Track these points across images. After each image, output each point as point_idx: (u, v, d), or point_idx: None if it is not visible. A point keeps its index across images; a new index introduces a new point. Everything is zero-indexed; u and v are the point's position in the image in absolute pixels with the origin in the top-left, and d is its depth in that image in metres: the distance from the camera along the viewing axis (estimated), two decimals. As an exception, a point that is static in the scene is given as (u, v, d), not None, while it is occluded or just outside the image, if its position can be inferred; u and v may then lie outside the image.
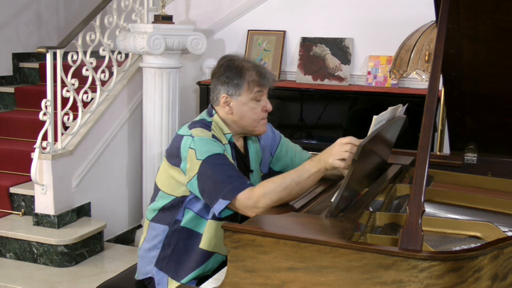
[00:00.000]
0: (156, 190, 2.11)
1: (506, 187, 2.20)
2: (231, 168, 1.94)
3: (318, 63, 4.19)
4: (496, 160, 2.36)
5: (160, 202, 2.09)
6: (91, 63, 3.98)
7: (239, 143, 2.19)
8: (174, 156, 2.01)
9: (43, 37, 5.33)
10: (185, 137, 1.99)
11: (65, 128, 3.90)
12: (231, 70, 2.08)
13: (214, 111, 2.13)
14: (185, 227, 2.05)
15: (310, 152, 2.40)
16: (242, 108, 2.08)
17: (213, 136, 2.01)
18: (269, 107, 2.12)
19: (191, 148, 1.96)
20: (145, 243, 2.14)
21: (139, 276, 2.17)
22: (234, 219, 2.02)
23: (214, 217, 2.01)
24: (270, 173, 2.32)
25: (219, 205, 1.88)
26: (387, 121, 1.93)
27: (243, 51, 4.41)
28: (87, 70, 3.98)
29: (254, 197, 1.85)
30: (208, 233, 2.04)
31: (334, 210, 1.65)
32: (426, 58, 2.95)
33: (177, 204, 2.05)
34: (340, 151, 1.78)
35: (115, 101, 4.21)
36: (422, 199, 1.45)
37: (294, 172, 1.88)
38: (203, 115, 2.15)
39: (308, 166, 1.85)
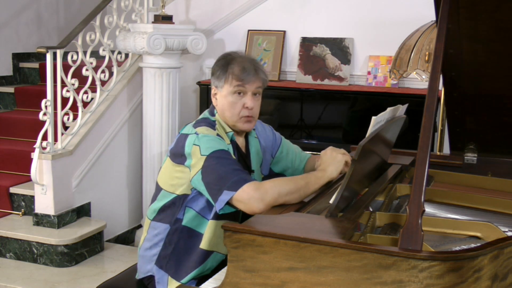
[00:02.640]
0: (158, 189, 2.11)
1: (506, 187, 2.20)
2: (235, 163, 1.94)
3: (318, 63, 4.18)
4: (496, 160, 2.36)
5: (162, 201, 2.09)
6: (91, 63, 3.98)
7: (241, 142, 2.19)
8: (179, 155, 2.01)
9: (43, 37, 5.33)
10: (190, 135, 2.00)
11: (65, 128, 3.90)
12: (220, 62, 2.12)
13: (215, 110, 2.14)
14: (186, 226, 2.05)
15: (310, 153, 2.41)
16: (223, 100, 2.10)
17: (217, 135, 2.02)
18: (249, 104, 2.08)
19: (195, 144, 1.96)
20: (146, 242, 2.13)
21: (139, 275, 2.17)
22: (235, 218, 2.02)
23: (215, 217, 2.01)
24: (270, 175, 2.32)
25: (224, 196, 1.86)
26: (386, 121, 1.93)
27: (243, 51, 4.41)
28: (87, 70, 3.98)
29: (263, 188, 1.83)
30: (208, 233, 2.03)
31: (334, 210, 1.65)
32: (426, 58, 2.95)
33: (177, 202, 2.04)
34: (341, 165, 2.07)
35: (115, 101, 4.21)
36: (422, 199, 1.45)
37: (304, 176, 2.01)
38: (206, 114, 2.16)
39: (320, 174, 2.02)
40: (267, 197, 1.82)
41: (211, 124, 2.06)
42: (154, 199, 2.14)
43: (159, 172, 2.14)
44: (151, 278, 2.12)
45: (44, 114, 3.67)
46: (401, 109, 2.15)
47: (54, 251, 3.64)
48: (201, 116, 2.16)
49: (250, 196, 1.83)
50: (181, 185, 2.02)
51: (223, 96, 2.10)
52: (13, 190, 3.94)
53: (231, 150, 2.04)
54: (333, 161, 2.07)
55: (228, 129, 2.11)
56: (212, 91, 2.15)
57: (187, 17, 4.56)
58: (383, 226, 1.81)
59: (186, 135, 2.01)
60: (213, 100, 2.15)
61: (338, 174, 2.06)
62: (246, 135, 2.23)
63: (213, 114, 2.13)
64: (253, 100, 2.09)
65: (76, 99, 3.89)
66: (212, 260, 2.07)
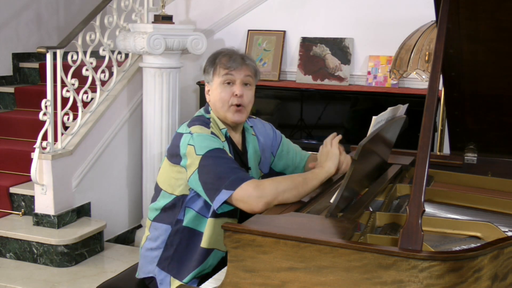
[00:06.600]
0: (158, 189, 2.11)
1: (506, 187, 2.20)
2: (232, 161, 1.94)
3: (318, 63, 4.19)
4: (496, 160, 2.36)
5: (162, 202, 2.09)
6: (91, 63, 3.98)
7: (237, 139, 2.18)
8: (174, 154, 2.02)
9: (43, 37, 5.33)
10: (184, 135, 2.00)
11: (65, 128, 3.90)
12: (209, 59, 2.16)
13: (210, 108, 2.14)
14: (187, 227, 2.05)
15: (310, 152, 2.40)
16: (215, 92, 2.12)
17: (212, 133, 2.01)
18: (238, 92, 2.09)
19: (190, 144, 1.96)
20: (148, 242, 2.14)
21: (140, 274, 2.17)
22: (232, 214, 2.02)
23: (213, 215, 2.01)
24: (271, 174, 2.32)
25: (222, 196, 1.86)
26: (386, 121, 1.93)
27: (243, 51, 4.41)
28: (87, 70, 3.98)
29: (261, 186, 1.84)
30: (208, 231, 2.04)
31: (334, 210, 1.65)
32: (426, 58, 2.95)
33: (178, 203, 2.05)
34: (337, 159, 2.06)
35: (115, 101, 4.21)
36: (422, 199, 1.45)
37: (302, 173, 2.02)
38: (201, 111, 2.17)
39: (318, 170, 2.02)
40: (266, 195, 1.83)
41: (205, 122, 2.07)
42: (154, 199, 2.14)
43: (158, 172, 2.14)
44: (152, 279, 2.12)
45: (44, 114, 3.67)
46: (401, 109, 2.15)
47: (54, 251, 3.64)
48: (196, 114, 2.17)
49: (249, 194, 1.83)
50: (179, 185, 2.03)
51: (214, 89, 2.12)
52: (13, 190, 3.94)
53: (226, 147, 2.04)
54: (328, 155, 2.07)
55: (222, 126, 2.11)
56: (206, 89, 2.18)
57: (187, 17, 4.56)
58: (383, 226, 1.81)
59: (181, 134, 2.02)
60: (207, 97, 2.17)
61: (335, 168, 2.05)
62: (243, 132, 2.23)
63: (208, 112, 2.15)
64: (242, 89, 2.10)
65: (76, 99, 3.89)
66: (213, 257, 2.07)
